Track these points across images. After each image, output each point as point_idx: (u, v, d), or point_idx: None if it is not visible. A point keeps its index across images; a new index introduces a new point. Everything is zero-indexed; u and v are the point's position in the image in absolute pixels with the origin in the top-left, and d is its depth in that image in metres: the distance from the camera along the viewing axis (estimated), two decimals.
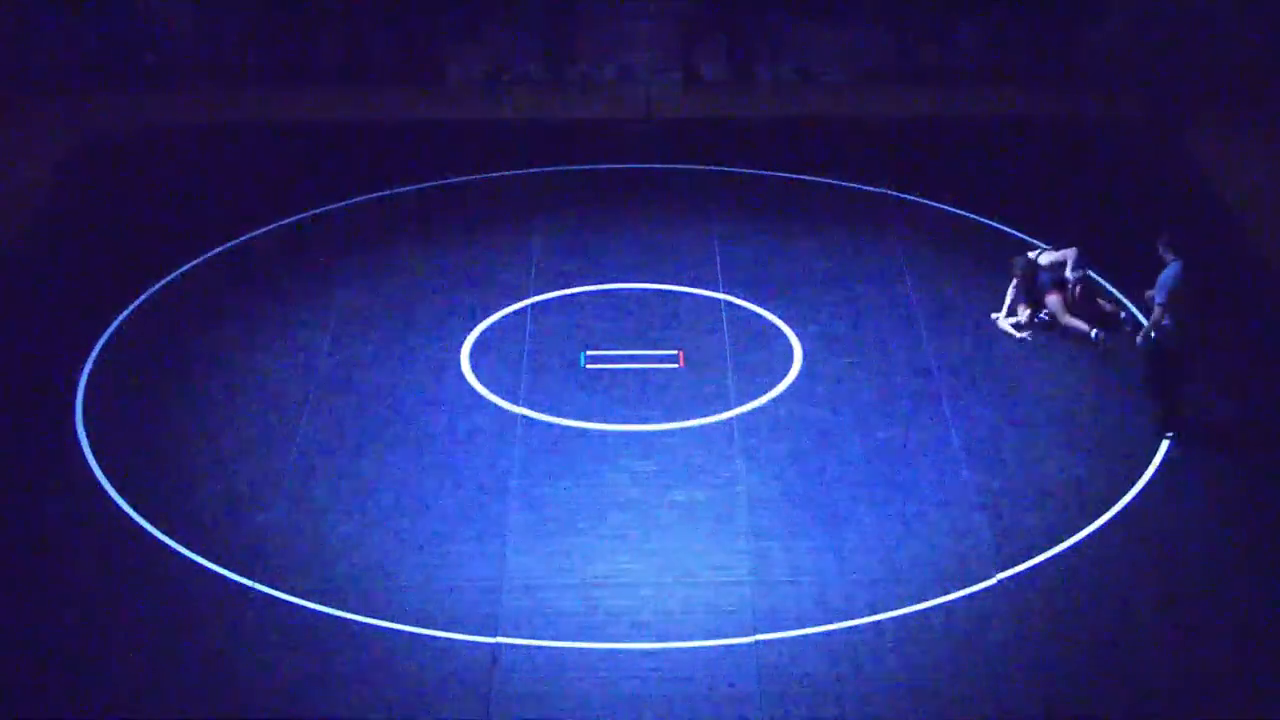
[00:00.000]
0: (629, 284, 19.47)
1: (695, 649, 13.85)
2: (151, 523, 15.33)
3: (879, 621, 14.11)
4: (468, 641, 13.90)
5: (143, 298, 19.05)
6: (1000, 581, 14.59)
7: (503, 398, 17.26)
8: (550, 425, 16.84)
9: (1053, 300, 18.30)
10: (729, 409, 17.05)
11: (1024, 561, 14.82)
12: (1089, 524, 15.32)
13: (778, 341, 18.29)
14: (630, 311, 18.90)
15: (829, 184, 21.89)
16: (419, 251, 20.15)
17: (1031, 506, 15.57)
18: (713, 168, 22.38)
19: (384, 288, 19.34)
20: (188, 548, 15.00)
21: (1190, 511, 15.56)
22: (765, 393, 17.33)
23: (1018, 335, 18.20)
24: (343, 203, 21.33)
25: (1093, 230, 20.52)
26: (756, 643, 13.88)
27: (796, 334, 18.38)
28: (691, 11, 25.46)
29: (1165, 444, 16.38)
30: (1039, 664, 13.66)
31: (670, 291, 19.30)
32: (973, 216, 20.95)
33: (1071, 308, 18.25)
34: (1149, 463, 16.17)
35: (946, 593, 14.44)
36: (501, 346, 18.20)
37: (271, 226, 20.70)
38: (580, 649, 13.85)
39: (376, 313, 18.82)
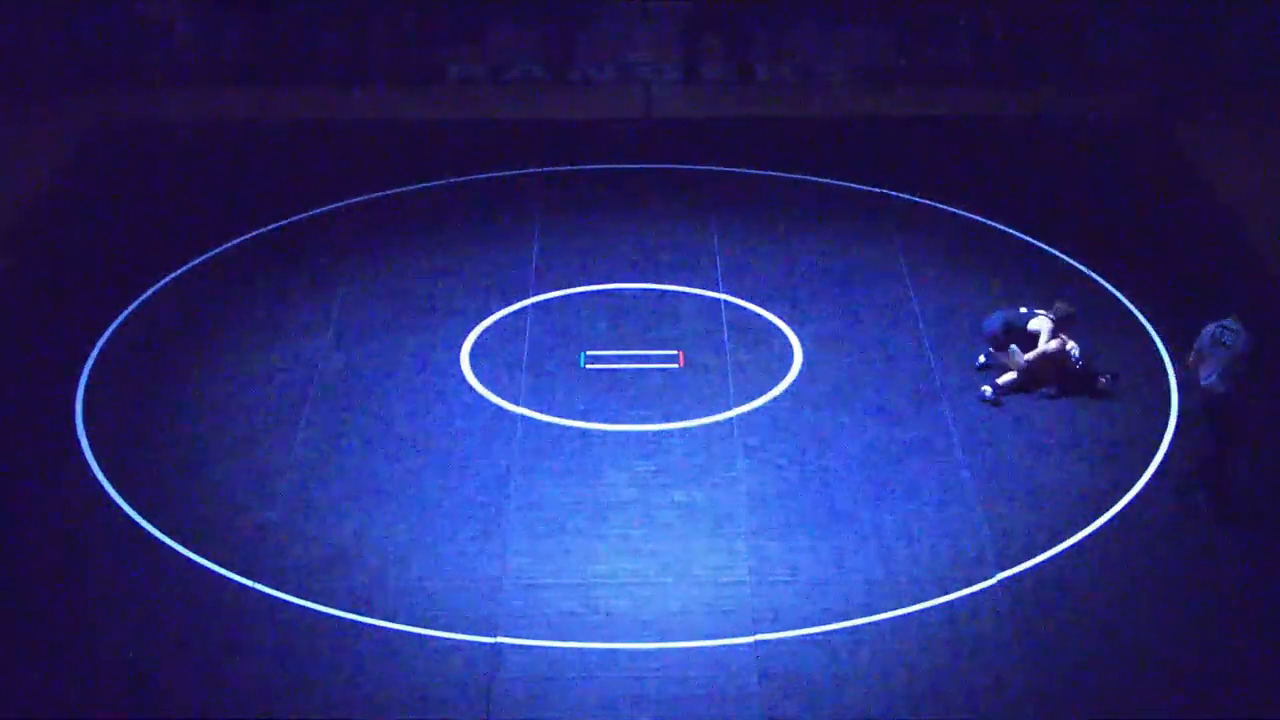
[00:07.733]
0: (629, 284, 19.46)
1: (695, 649, 13.85)
2: (151, 523, 15.33)
3: (879, 621, 14.12)
4: (468, 641, 13.90)
5: (143, 297, 19.05)
6: (1000, 581, 14.59)
7: (503, 398, 17.25)
8: (550, 425, 16.83)
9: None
10: (729, 409, 17.04)
11: (1024, 561, 14.82)
12: (1089, 524, 15.33)
13: (778, 341, 18.28)
14: (630, 311, 18.89)
15: (829, 184, 21.89)
16: (419, 251, 20.15)
17: (1031, 506, 15.57)
18: (713, 168, 22.38)
19: (384, 288, 19.34)
20: (188, 548, 15.00)
21: (1190, 511, 15.55)
22: (765, 393, 17.32)
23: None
24: (343, 203, 21.33)
25: (1092, 230, 20.56)
26: (756, 643, 13.88)
27: (796, 334, 18.37)
28: (691, 11, 25.45)
29: (1165, 444, 16.41)
30: (1039, 664, 13.65)
31: (670, 291, 19.30)
32: (972, 216, 20.95)
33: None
34: (1149, 463, 16.18)
35: (946, 593, 14.44)
36: (501, 346, 18.19)
37: (271, 226, 20.69)
38: (580, 649, 13.85)
39: (376, 313, 18.82)
